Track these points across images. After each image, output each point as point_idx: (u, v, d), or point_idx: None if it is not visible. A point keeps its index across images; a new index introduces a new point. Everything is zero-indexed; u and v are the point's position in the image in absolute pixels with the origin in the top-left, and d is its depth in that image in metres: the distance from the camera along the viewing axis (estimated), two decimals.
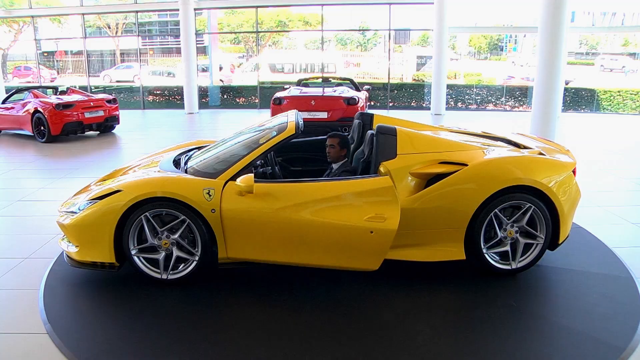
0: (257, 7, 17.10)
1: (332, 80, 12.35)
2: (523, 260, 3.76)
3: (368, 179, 3.48)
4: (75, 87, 12.72)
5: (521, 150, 4.03)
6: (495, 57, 25.55)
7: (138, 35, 18.40)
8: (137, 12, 17.83)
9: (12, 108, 10.90)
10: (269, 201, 3.43)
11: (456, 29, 17.39)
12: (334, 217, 3.36)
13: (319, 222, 3.37)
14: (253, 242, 3.53)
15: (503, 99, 17.13)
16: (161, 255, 3.63)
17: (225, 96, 18.02)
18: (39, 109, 10.10)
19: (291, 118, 3.96)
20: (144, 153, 5.62)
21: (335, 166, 4.09)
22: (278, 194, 3.46)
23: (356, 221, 3.32)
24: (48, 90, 11.73)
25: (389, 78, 17.26)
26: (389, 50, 17.94)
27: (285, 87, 11.02)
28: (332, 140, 4.10)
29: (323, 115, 9.34)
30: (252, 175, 3.45)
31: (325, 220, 3.36)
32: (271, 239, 3.49)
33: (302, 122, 3.98)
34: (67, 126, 10.20)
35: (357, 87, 11.09)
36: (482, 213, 3.59)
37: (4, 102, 11.54)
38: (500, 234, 3.68)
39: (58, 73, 21.40)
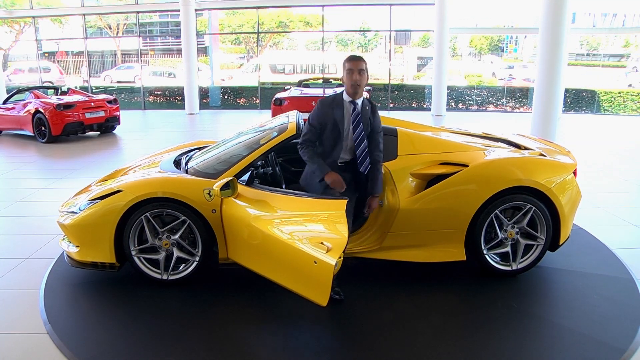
0: (257, 7, 17.13)
1: (333, 81, 12.36)
2: (524, 261, 3.76)
3: (326, 199, 3.10)
4: (76, 87, 12.73)
5: (522, 151, 4.03)
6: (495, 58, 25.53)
7: (139, 36, 18.42)
8: (137, 12, 17.86)
9: (13, 108, 10.92)
10: (253, 207, 3.33)
11: (457, 30, 17.40)
12: (291, 237, 3.01)
13: (278, 239, 3.04)
14: (242, 245, 3.43)
15: (504, 100, 17.13)
16: (161, 256, 3.63)
17: (225, 97, 18.03)
18: (40, 109, 10.12)
19: (292, 119, 3.97)
20: (145, 153, 5.62)
21: (359, 102, 3.27)
22: (259, 201, 3.37)
23: (305, 246, 2.88)
24: (49, 90, 11.75)
25: (389, 79, 17.27)
26: (390, 51, 17.95)
27: (286, 87, 11.04)
28: (359, 63, 3.19)
29: None
30: (231, 179, 3.32)
31: (284, 238, 3.03)
32: (251, 246, 3.33)
33: (302, 123, 3.98)
34: (67, 126, 10.21)
35: None
36: (483, 214, 3.59)
37: (4, 102, 11.56)
38: (500, 235, 3.68)
39: (59, 73, 21.40)
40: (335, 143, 3.25)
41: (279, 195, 3.40)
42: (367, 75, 3.25)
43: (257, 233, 3.20)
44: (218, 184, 3.31)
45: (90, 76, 19.09)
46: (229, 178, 3.35)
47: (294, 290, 3.01)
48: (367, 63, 3.26)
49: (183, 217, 3.53)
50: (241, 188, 3.46)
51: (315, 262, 2.80)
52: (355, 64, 3.17)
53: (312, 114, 3.30)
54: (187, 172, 3.90)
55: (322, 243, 2.82)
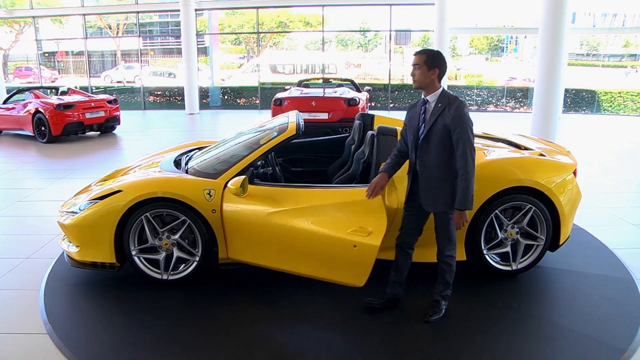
0: (257, 7, 17.13)
1: (333, 81, 12.34)
2: (524, 261, 3.76)
3: (356, 188, 3.33)
4: (76, 87, 12.73)
5: (522, 151, 4.03)
6: (495, 58, 25.55)
7: (139, 36, 18.42)
8: (137, 12, 17.86)
9: (13, 108, 10.92)
10: (264, 204, 3.40)
11: (457, 30, 17.39)
12: (319, 226, 3.20)
13: (305, 230, 3.23)
14: (250, 243, 3.50)
15: (504, 100, 17.13)
16: (161, 256, 3.63)
17: (226, 97, 18.03)
18: (40, 109, 10.12)
19: (292, 119, 3.97)
20: (145, 153, 5.62)
21: (430, 99, 3.00)
22: (271, 197, 3.42)
23: (340, 233, 3.11)
24: (49, 90, 11.75)
25: (389, 79, 17.26)
26: (390, 51, 17.94)
27: (286, 87, 11.02)
28: (414, 57, 3.00)
29: (324, 116, 9.34)
30: (243, 177, 3.37)
31: (312, 228, 3.21)
32: (263, 243, 3.42)
33: (302, 123, 3.97)
34: (67, 127, 10.21)
35: (357, 88, 11.09)
36: (483, 214, 3.59)
37: (5, 102, 11.56)
38: (500, 235, 3.68)
39: (59, 73, 21.42)
40: (412, 147, 3.11)
41: (302, 189, 3.47)
42: (430, 68, 2.94)
43: (279, 229, 3.28)
44: (234, 181, 3.34)
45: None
46: (242, 177, 3.38)
47: (324, 278, 3.26)
48: (428, 56, 2.97)
49: (183, 217, 3.53)
50: (251, 187, 3.48)
51: (355, 246, 3.03)
52: (413, 59, 3.01)
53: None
54: (187, 172, 3.90)
55: (360, 227, 3.05)
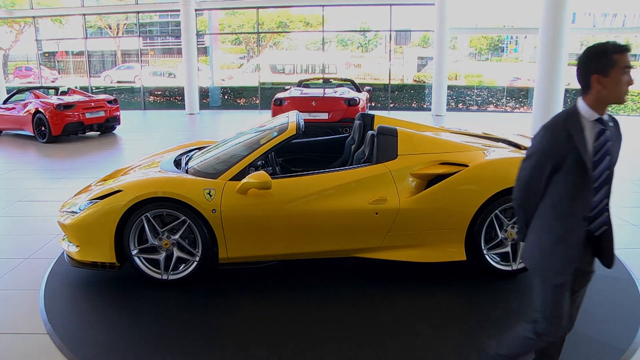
0: (257, 7, 17.14)
1: (333, 81, 12.35)
2: None
3: (365, 167, 3.70)
4: (76, 87, 12.73)
5: (522, 151, 4.03)
6: (496, 58, 25.55)
7: (139, 36, 18.43)
8: (138, 12, 17.87)
9: (13, 108, 10.92)
10: (274, 197, 3.50)
11: (457, 30, 17.40)
12: (341, 205, 3.53)
13: (328, 210, 3.53)
14: (256, 239, 3.59)
15: (504, 100, 17.13)
16: (162, 256, 3.63)
17: (226, 97, 18.04)
18: (40, 109, 10.12)
19: (292, 119, 3.97)
20: (145, 153, 5.63)
21: (605, 117, 2.12)
22: (288, 188, 3.56)
23: (362, 206, 3.52)
24: (49, 90, 11.75)
25: (389, 79, 17.27)
26: (390, 51, 17.95)
27: (286, 88, 11.02)
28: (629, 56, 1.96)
29: (324, 116, 9.34)
30: (264, 172, 3.48)
31: (334, 208, 3.53)
32: (278, 234, 3.58)
33: (303, 123, 3.98)
34: (68, 127, 10.21)
35: (357, 88, 11.09)
36: (483, 214, 3.59)
37: (4, 102, 11.56)
38: (500, 235, 3.68)
39: (59, 73, 21.42)
40: (580, 190, 2.02)
41: (311, 176, 3.65)
42: None
43: (297, 216, 3.51)
44: (260, 174, 3.42)
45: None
46: (262, 171, 3.48)
47: (346, 248, 3.64)
48: None
49: (183, 217, 3.53)
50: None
51: (377, 213, 3.51)
52: (627, 59, 1.94)
53: (535, 149, 2.17)
54: (187, 172, 3.90)
55: (380, 197, 3.53)
